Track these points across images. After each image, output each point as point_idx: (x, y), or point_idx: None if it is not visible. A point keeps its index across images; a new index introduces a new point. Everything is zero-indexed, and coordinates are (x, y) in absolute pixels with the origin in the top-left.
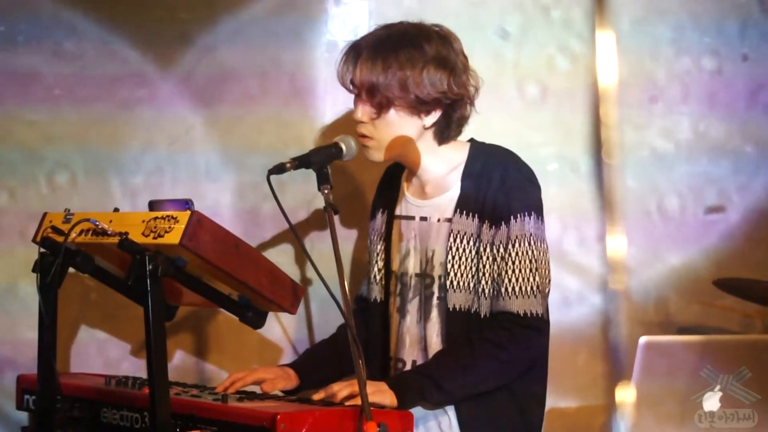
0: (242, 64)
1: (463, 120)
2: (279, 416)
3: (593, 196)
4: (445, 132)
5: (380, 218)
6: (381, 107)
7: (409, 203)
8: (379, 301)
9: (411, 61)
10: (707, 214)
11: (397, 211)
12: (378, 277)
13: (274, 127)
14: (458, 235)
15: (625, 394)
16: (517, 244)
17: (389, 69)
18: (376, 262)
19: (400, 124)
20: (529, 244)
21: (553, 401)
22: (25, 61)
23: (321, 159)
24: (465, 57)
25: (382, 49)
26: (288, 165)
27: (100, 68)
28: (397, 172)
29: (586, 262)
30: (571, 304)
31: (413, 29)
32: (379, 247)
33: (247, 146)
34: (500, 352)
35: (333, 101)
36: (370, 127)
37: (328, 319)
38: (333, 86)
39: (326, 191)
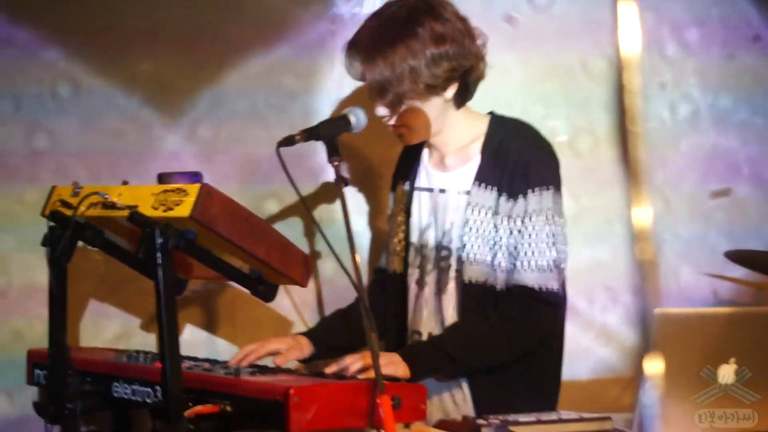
0: (246, 37)
1: (479, 79)
2: (292, 390)
3: (613, 167)
4: (464, 95)
5: (401, 189)
6: (394, 105)
7: (430, 175)
8: (398, 272)
9: (411, 51)
10: (713, 198)
11: (418, 183)
12: (398, 249)
13: (280, 98)
14: (476, 208)
15: (651, 366)
16: (534, 218)
17: (392, 65)
18: (396, 233)
19: (422, 106)
20: (547, 218)
21: (565, 374)
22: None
23: (330, 131)
24: (461, 19)
25: (378, 45)
26: (297, 137)
27: None
28: (419, 144)
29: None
30: (586, 276)
31: (402, 13)
32: (399, 218)
33: (254, 118)
34: (514, 326)
35: (339, 74)
36: (395, 118)
37: (337, 292)
38: (338, 59)
39: (336, 163)
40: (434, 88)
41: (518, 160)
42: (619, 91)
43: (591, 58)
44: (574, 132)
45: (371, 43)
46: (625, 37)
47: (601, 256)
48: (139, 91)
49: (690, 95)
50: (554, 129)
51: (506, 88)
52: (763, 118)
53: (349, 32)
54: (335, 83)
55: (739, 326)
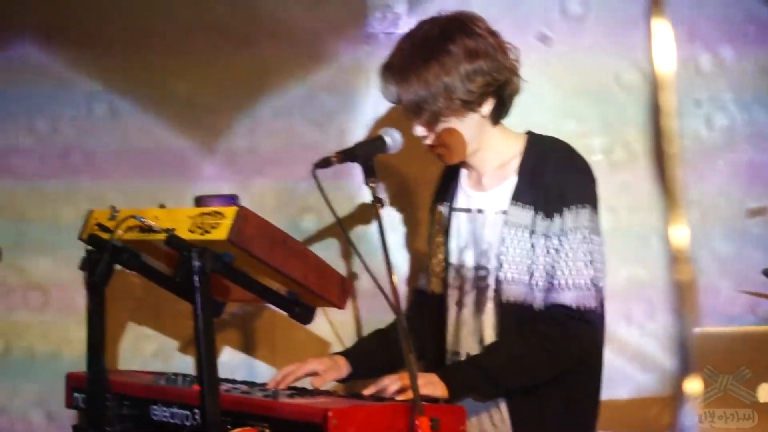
0: (285, 52)
1: (514, 94)
2: (331, 412)
3: (648, 187)
4: (500, 111)
5: (439, 211)
6: (430, 123)
7: (468, 195)
8: (437, 293)
9: (444, 68)
10: (750, 218)
11: (456, 204)
12: (437, 270)
13: (316, 119)
14: (513, 227)
15: (691, 386)
16: (570, 236)
17: (426, 83)
18: (436, 254)
19: (459, 124)
20: (584, 236)
21: (603, 394)
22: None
23: (366, 152)
24: (493, 34)
25: (412, 65)
26: (333, 159)
27: None
28: (457, 165)
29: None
30: (623, 295)
31: (434, 32)
32: (438, 239)
33: (290, 141)
34: (552, 345)
35: (375, 94)
36: (433, 137)
37: (375, 314)
38: (374, 79)
39: (372, 184)
40: (470, 104)
41: (554, 179)
42: (655, 110)
43: (625, 72)
44: (609, 149)
45: (405, 63)
46: (660, 56)
47: (638, 275)
48: (176, 113)
49: (725, 111)
50: (589, 147)
51: (539, 107)
52: None
53: (385, 52)
54: (371, 106)
55: None
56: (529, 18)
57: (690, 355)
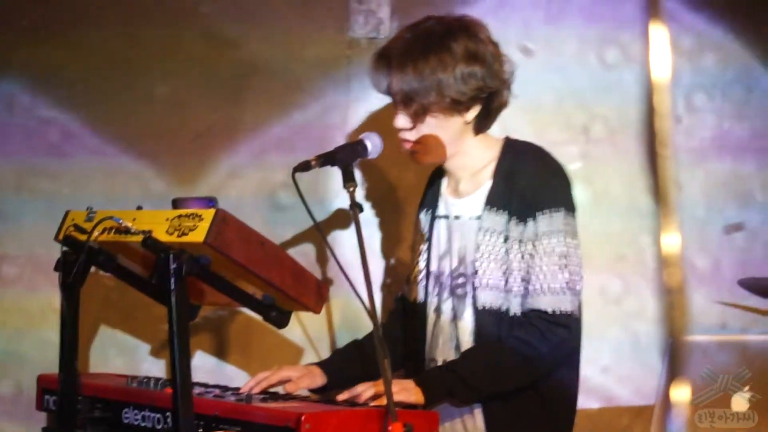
0: (268, 54)
1: (501, 107)
2: (304, 417)
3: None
4: (484, 122)
5: (424, 218)
6: (417, 115)
7: (447, 202)
8: (418, 301)
9: (442, 64)
10: (727, 233)
11: (438, 211)
12: (419, 278)
13: (297, 124)
14: (487, 232)
15: (677, 394)
16: (545, 240)
17: (421, 75)
18: (418, 262)
19: (441, 125)
20: (558, 239)
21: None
22: None
23: (346, 156)
24: (494, 44)
25: (411, 55)
26: (313, 162)
27: None
28: (440, 171)
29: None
30: (596, 304)
31: (438, 28)
32: (421, 247)
33: (269, 144)
34: (529, 350)
35: (356, 98)
36: (413, 132)
37: (349, 319)
38: (356, 83)
39: (351, 189)
40: (459, 105)
41: (527, 183)
42: (650, 114)
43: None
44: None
45: (404, 52)
46: (655, 61)
47: (611, 284)
48: (156, 114)
49: (705, 122)
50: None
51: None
52: None
53: (366, 57)
54: (352, 109)
55: (756, 353)
56: (511, 29)
57: (677, 361)
